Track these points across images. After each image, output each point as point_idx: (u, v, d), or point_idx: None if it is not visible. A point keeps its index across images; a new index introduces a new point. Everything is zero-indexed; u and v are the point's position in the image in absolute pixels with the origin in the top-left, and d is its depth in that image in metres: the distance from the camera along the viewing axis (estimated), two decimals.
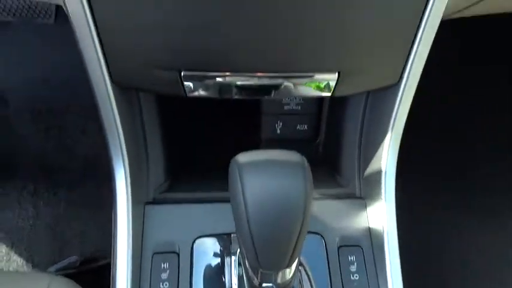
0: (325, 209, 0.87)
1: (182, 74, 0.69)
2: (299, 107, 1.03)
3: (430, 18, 0.67)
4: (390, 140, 0.81)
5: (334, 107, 0.99)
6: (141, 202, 0.84)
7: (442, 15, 0.68)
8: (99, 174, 1.59)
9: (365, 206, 0.88)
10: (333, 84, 0.72)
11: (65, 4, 0.64)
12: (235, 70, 0.69)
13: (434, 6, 0.66)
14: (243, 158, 0.59)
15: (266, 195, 0.55)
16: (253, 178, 0.56)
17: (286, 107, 1.03)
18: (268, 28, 0.63)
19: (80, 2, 0.61)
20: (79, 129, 1.67)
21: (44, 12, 1.45)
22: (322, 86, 0.72)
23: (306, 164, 0.59)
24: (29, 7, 1.42)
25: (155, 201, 0.86)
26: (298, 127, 1.05)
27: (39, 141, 1.66)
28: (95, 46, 0.66)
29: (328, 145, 1.05)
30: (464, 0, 0.77)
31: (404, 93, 0.76)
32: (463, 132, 1.73)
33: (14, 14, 1.45)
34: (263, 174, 0.56)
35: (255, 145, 1.06)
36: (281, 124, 1.04)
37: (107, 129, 0.76)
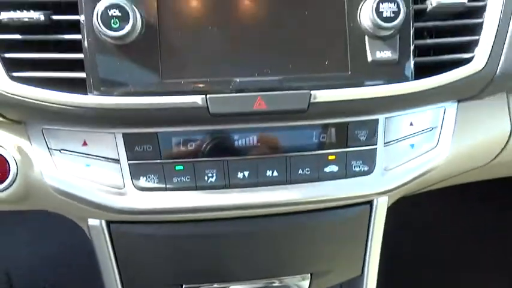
0: None
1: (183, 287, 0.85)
2: None
3: (375, 227, 0.86)
4: None
5: None
6: None
7: (384, 216, 0.88)
8: None
9: None
10: (307, 283, 0.89)
11: (92, 242, 0.82)
12: (228, 281, 0.86)
13: (376, 216, 0.85)
14: None
15: None
16: None
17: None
18: (259, 256, 0.83)
19: (105, 245, 0.79)
20: None
21: None
22: (299, 286, 0.89)
23: None
24: None
25: None
26: None
27: None
28: (114, 276, 0.82)
29: None
30: (415, 186, 0.94)
31: (368, 280, 0.93)
32: None
33: None
34: None
35: None
36: None
37: None
